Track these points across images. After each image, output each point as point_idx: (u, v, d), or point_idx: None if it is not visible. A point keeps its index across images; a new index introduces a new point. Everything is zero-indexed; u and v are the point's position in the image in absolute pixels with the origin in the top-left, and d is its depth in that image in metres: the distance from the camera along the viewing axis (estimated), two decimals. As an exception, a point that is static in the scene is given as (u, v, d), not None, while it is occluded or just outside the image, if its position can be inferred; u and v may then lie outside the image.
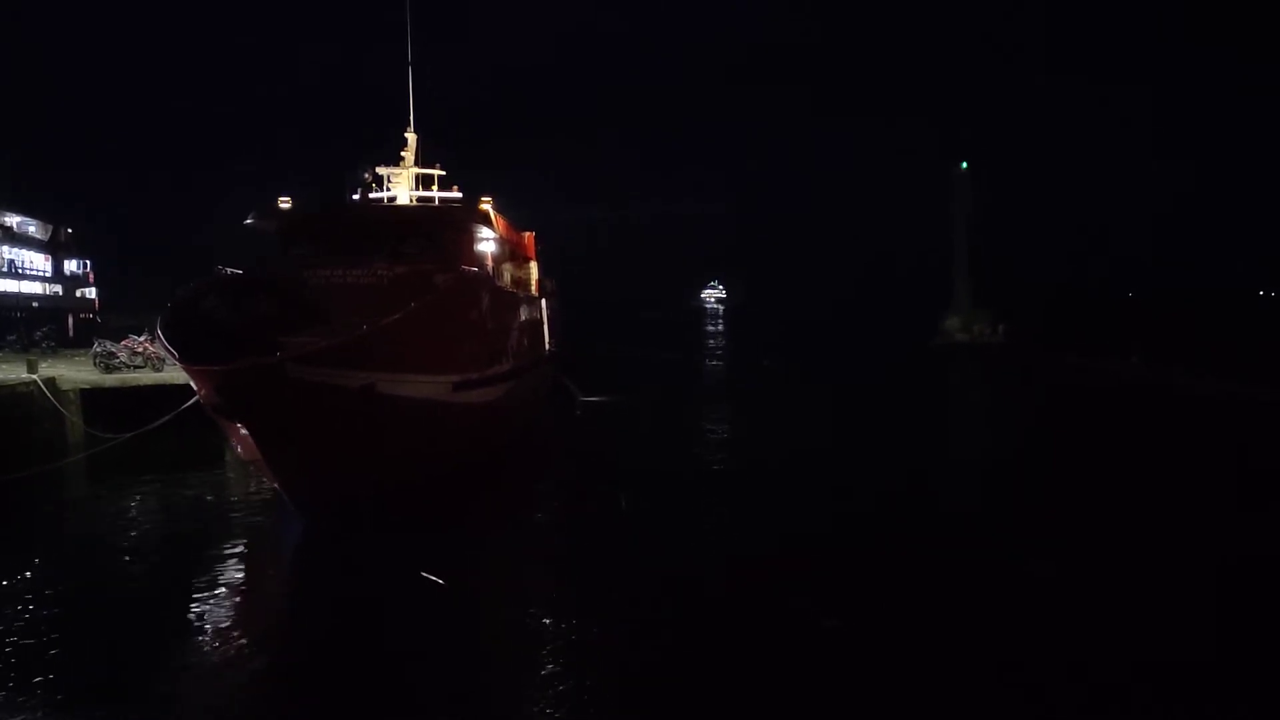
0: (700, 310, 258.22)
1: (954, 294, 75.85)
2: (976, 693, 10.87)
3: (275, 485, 18.31)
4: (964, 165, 77.06)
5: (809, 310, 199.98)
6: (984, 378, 54.97)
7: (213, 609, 13.72)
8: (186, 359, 17.12)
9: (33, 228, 66.00)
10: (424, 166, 34.29)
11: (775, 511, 20.27)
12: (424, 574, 14.80)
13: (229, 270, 23.56)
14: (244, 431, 17.11)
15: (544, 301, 38.94)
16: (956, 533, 18.37)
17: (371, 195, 31.87)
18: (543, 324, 37.63)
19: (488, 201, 28.88)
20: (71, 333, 58.50)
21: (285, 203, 26.09)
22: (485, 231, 27.91)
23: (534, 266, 39.19)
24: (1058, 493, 21.71)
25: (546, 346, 38.20)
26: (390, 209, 31.13)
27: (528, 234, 39.71)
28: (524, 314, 31.69)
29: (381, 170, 33.04)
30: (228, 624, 13.25)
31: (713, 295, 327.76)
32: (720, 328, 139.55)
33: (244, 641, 12.59)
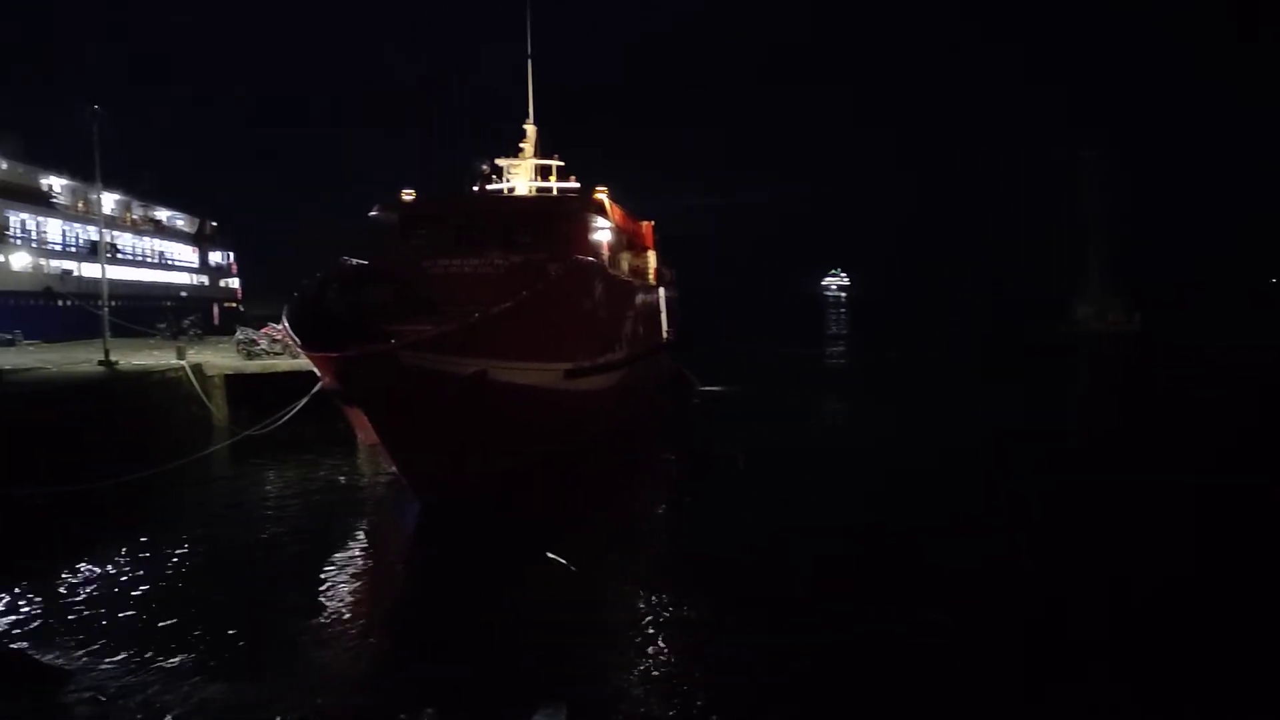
0: (820, 299, 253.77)
1: (1088, 281, 72.60)
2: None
3: (393, 468, 18.92)
4: (1095, 149, 73.90)
5: (933, 299, 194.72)
6: (1122, 369, 52.42)
7: (335, 588, 14.17)
8: (308, 347, 17.83)
9: (181, 221, 69.91)
10: (542, 158, 34.85)
11: (882, 497, 19.93)
12: (550, 555, 14.95)
13: (352, 261, 24.41)
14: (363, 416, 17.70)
15: (661, 290, 38.91)
16: (1073, 525, 17.60)
17: (490, 186, 32.49)
18: (660, 312, 37.57)
19: (603, 191, 29.06)
20: (216, 321, 61.90)
21: (408, 195, 26.89)
22: (600, 221, 28.09)
23: (652, 255, 39.20)
24: (1177, 489, 20.57)
25: (664, 335, 38.22)
26: (506, 199, 31.67)
27: (646, 223, 39.76)
28: (640, 302, 31.76)
29: (501, 162, 33.66)
30: (348, 603, 13.66)
31: (834, 283, 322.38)
32: (843, 326, 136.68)
33: (363, 620, 12.95)
